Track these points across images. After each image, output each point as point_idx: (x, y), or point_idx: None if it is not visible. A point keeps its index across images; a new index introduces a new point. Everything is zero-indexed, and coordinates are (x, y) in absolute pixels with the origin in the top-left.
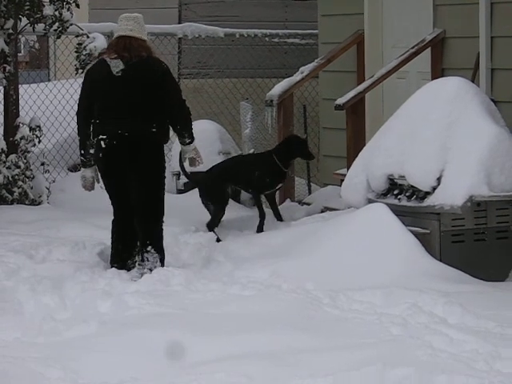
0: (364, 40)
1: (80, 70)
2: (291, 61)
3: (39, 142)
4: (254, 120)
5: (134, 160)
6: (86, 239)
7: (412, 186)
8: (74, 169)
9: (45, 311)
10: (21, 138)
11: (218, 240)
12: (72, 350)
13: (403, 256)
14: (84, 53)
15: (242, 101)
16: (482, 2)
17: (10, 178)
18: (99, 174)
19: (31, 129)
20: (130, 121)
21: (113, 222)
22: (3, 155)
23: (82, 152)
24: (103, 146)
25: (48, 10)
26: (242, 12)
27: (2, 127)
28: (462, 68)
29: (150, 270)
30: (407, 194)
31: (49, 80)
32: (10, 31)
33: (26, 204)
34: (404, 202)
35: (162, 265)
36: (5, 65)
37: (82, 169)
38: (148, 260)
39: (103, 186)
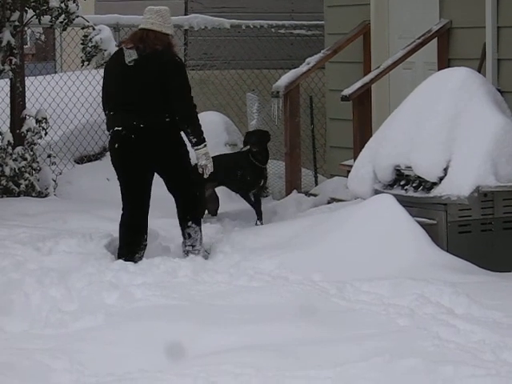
0: (370, 31)
1: (86, 62)
2: (297, 52)
3: (46, 134)
4: (261, 111)
5: (154, 151)
6: (93, 231)
7: (419, 177)
8: (80, 161)
9: (51, 303)
10: (27, 130)
11: None
12: (79, 341)
13: (410, 247)
14: (90, 45)
15: (248, 92)
16: None
17: (17, 171)
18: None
19: (37, 121)
20: (142, 112)
21: (122, 215)
22: (10, 147)
23: None
24: (118, 137)
25: (54, 1)
26: (248, 3)
27: (9, 119)
28: (468, 58)
29: (192, 246)
30: (414, 185)
31: (55, 72)
32: (16, 23)
33: (32, 196)
34: (411, 193)
35: (201, 242)
36: (11, 57)
37: None
38: (190, 236)
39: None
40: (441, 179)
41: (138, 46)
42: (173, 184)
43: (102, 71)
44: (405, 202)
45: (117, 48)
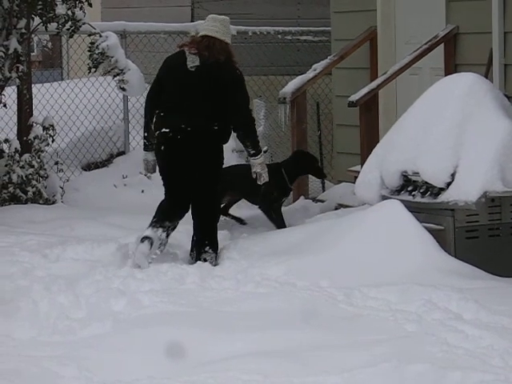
0: (377, 36)
1: (93, 69)
2: (304, 58)
3: (53, 141)
4: (268, 117)
5: (194, 155)
6: (100, 238)
7: (426, 183)
8: (87, 168)
9: (59, 310)
10: (34, 138)
11: None
12: (87, 348)
13: (418, 252)
14: (96, 52)
15: (255, 98)
16: None
17: (24, 178)
18: (157, 167)
19: (44, 128)
20: (193, 116)
21: (163, 200)
22: (17, 155)
23: (145, 135)
24: (165, 139)
25: (60, 9)
26: (255, 10)
27: (16, 127)
28: (475, 64)
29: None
30: (421, 191)
31: (62, 79)
32: (23, 31)
33: (39, 203)
34: (418, 199)
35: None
36: (18, 64)
37: (144, 152)
38: (205, 261)
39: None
40: (448, 185)
41: (202, 53)
42: (197, 198)
43: (108, 78)
44: (412, 208)
45: (177, 50)
